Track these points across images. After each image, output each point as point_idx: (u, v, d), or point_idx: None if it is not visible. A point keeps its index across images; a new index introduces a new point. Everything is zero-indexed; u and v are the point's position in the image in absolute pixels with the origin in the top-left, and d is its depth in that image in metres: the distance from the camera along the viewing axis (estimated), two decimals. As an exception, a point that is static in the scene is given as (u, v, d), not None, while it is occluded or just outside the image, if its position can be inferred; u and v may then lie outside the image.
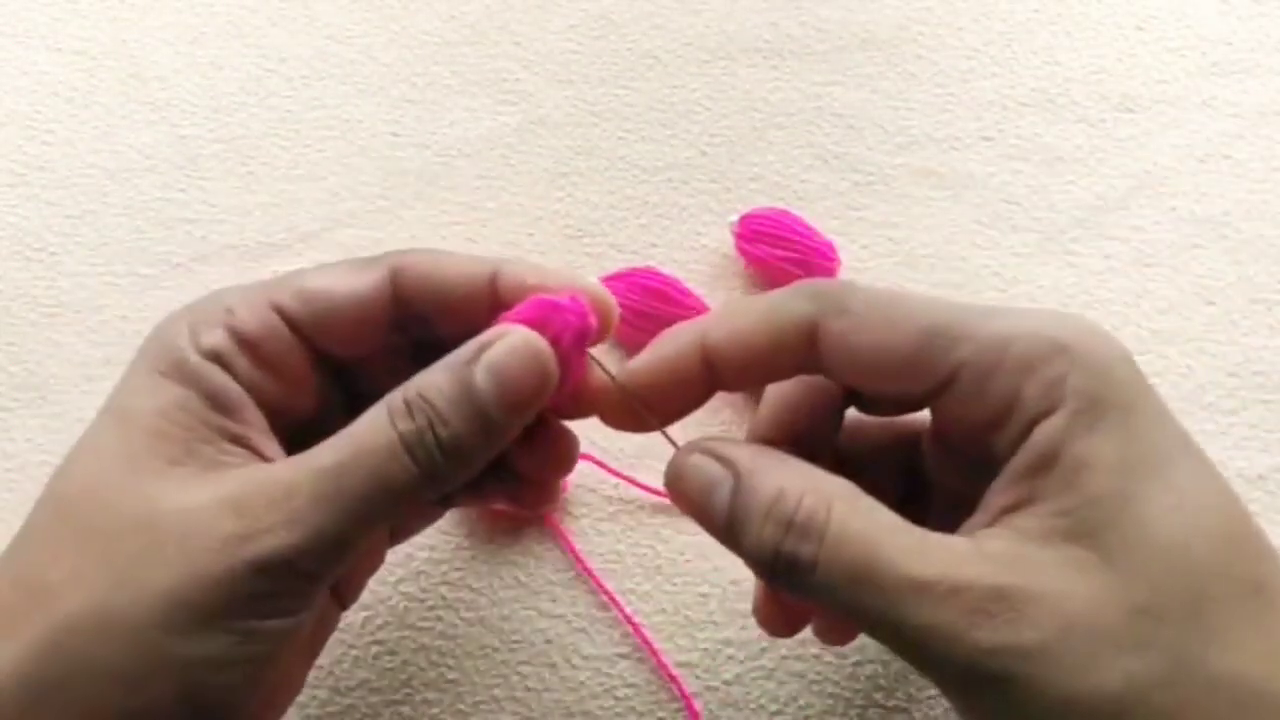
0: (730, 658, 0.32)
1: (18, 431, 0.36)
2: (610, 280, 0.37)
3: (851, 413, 0.28)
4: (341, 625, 0.30)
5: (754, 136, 0.43)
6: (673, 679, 0.31)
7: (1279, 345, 0.38)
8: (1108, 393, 0.22)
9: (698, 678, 0.32)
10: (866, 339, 0.24)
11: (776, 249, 0.38)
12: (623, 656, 0.32)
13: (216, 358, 0.25)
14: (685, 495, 0.25)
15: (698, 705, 0.31)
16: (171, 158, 0.42)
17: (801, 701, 0.31)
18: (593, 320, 0.25)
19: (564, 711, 0.31)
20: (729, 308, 0.26)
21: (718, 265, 0.39)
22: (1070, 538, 0.21)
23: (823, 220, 0.40)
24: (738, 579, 0.33)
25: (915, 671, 0.31)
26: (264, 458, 0.25)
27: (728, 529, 0.24)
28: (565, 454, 0.28)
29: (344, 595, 0.28)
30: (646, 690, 0.31)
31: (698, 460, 0.25)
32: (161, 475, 0.23)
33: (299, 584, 0.23)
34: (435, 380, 0.24)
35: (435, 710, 0.31)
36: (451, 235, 0.40)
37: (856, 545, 0.22)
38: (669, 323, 0.36)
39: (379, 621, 0.32)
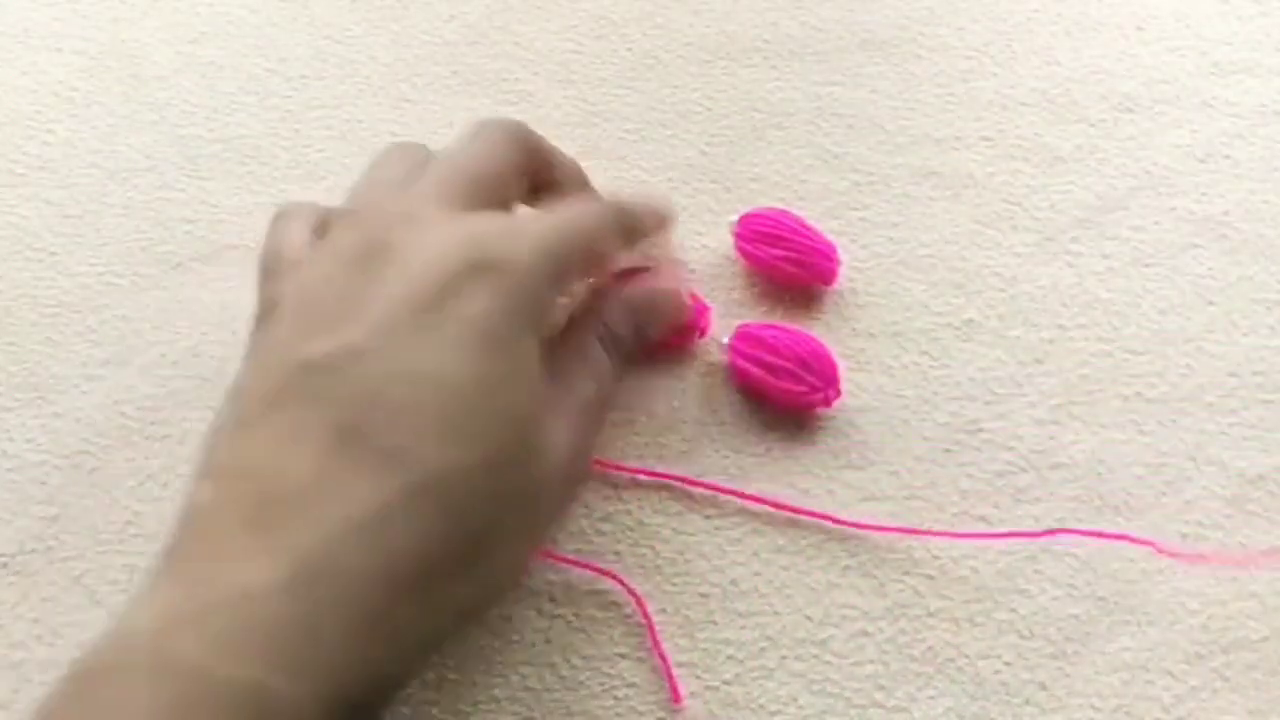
0: (730, 658, 0.32)
1: (17, 431, 0.36)
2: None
3: None
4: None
5: (754, 136, 0.43)
6: (672, 679, 0.31)
7: (1279, 345, 0.38)
8: None
9: (698, 678, 0.32)
10: None
11: (776, 249, 0.38)
12: (623, 656, 0.32)
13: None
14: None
15: (698, 705, 0.31)
16: (171, 158, 0.42)
17: (801, 701, 0.31)
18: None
19: (564, 711, 0.31)
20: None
21: (718, 265, 0.39)
22: None
23: (823, 220, 0.40)
24: (737, 579, 0.33)
25: (916, 671, 0.31)
26: None
27: None
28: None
29: None
30: (647, 690, 0.31)
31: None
32: None
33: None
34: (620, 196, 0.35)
35: (435, 710, 0.31)
36: (451, 235, 0.40)
37: None
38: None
39: (379, 621, 0.32)
